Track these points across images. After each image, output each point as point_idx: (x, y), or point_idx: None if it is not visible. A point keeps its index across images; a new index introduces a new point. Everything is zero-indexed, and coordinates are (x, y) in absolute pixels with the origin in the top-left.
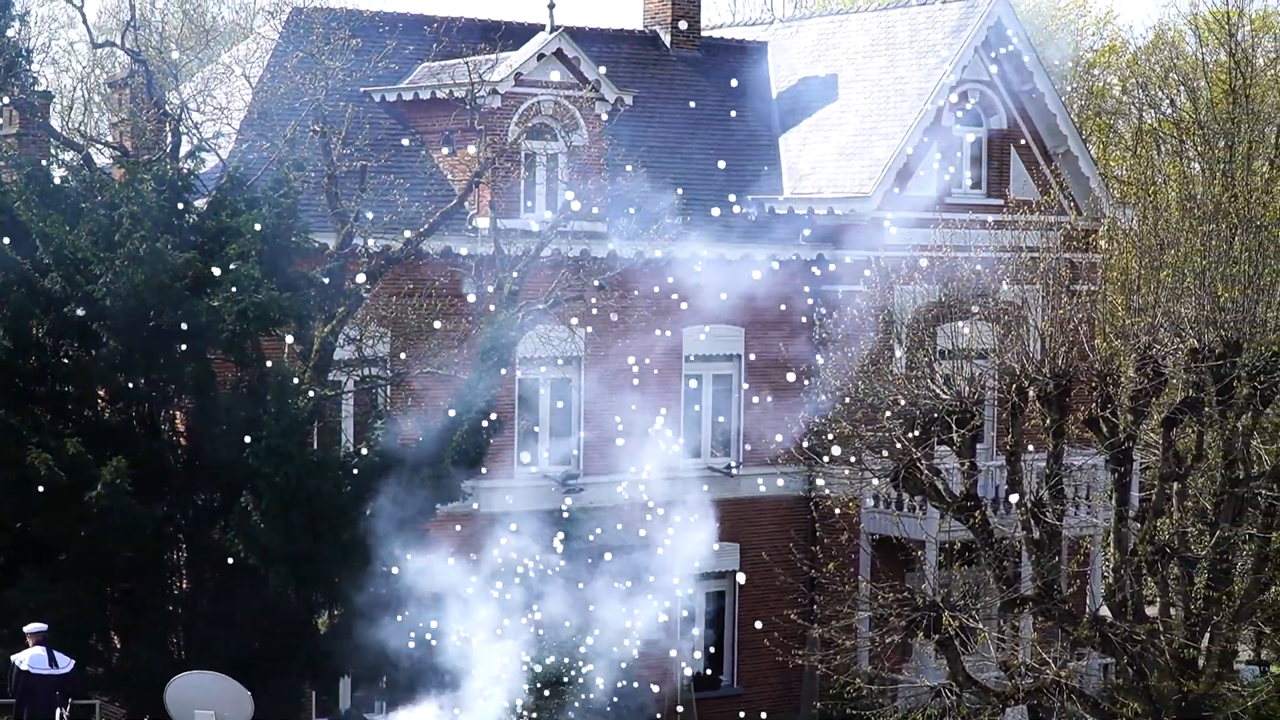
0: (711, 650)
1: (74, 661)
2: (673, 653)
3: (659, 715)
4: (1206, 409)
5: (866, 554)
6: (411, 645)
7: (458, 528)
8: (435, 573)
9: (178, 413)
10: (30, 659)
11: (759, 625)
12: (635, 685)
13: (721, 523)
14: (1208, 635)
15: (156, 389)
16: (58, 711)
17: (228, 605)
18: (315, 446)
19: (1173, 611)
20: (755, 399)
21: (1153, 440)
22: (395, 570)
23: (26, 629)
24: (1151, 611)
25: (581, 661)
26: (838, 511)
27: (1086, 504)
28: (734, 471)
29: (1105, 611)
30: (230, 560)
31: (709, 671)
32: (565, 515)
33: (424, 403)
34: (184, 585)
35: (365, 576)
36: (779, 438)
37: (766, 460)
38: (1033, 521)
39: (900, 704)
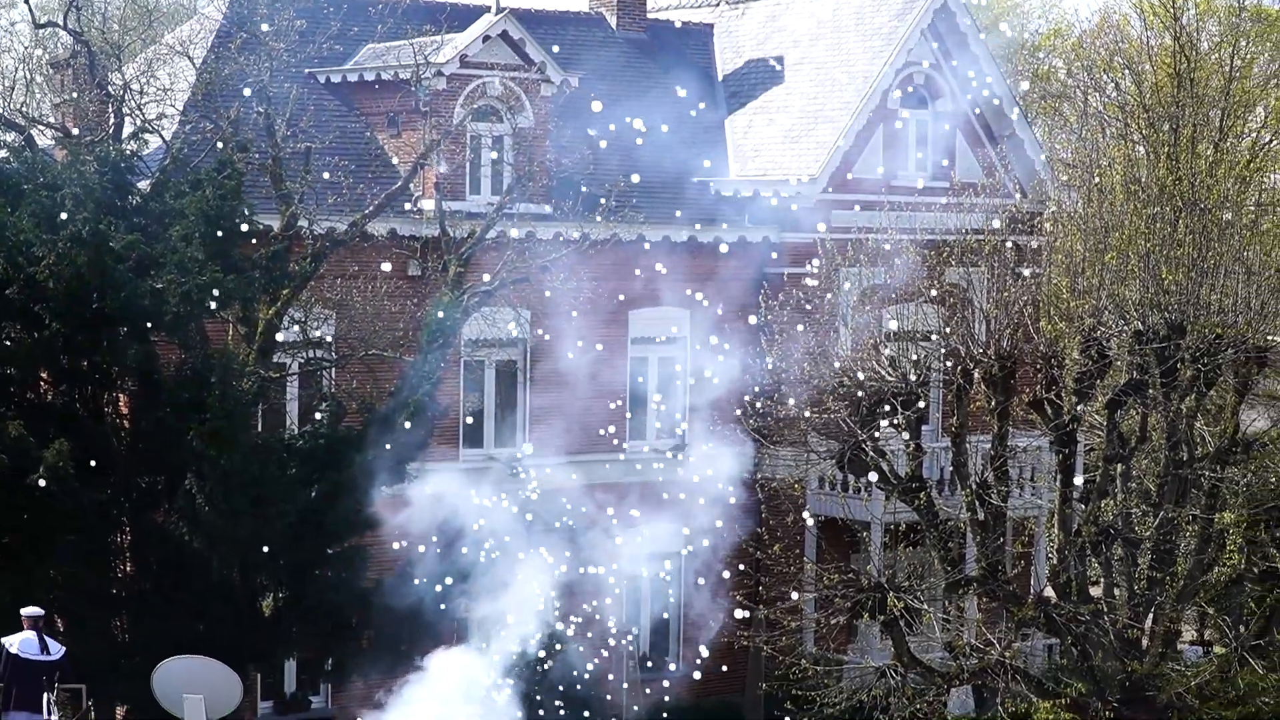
0: (657, 631)
1: (65, 649)
2: (619, 636)
3: (606, 697)
4: (1150, 391)
5: (812, 535)
6: (359, 627)
7: (402, 510)
8: (380, 555)
9: (121, 395)
10: (20, 643)
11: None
12: (583, 668)
13: (667, 504)
14: (1151, 616)
15: (99, 371)
16: (44, 697)
17: (172, 589)
18: (260, 429)
19: (1116, 592)
20: (700, 381)
21: (1097, 422)
22: (341, 552)
23: (23, 611)
24: (1095, 592)
25: (529, 644)
26: (784, 493)
27: (1031, 485)
28: (679, 454)
29: (1049, 592)
30: (175, 544)
31: (654, 652)
32: (511, 497)
33: (369, 385)
34: (128, 569)
35: (311, 559)
36: (725, 420)
37: (712, 442)
38: (977, 503)
39: (845, 685)
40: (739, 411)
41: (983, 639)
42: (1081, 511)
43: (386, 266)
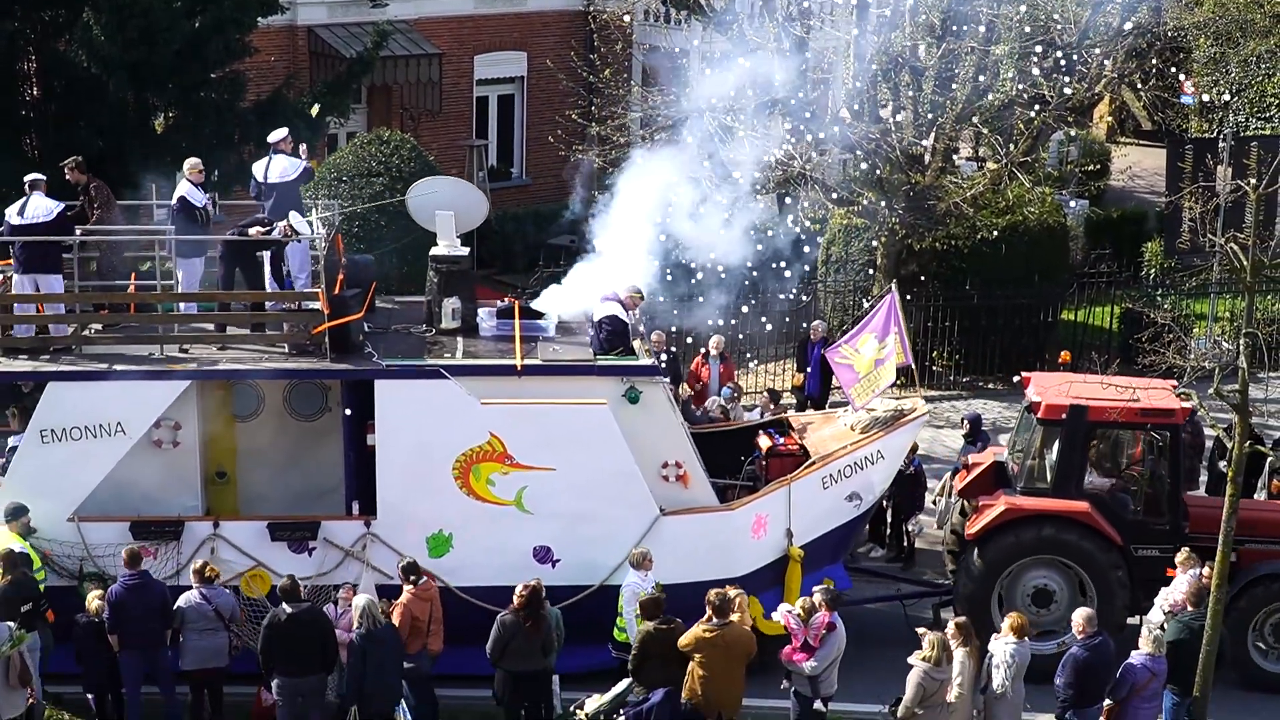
0: (503, 145)
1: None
2: (470, 146)
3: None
4: None
5: (639, 61)
6: (239, 143)
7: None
8: (257, 79)
9: None
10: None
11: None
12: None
13: (509, 33)
14: (933, 135)
15: None
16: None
17: (75, 110)
18: None
19: (902, 115)
20: None
21: None
22: (222, 77)
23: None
24: (885, 114)
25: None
26: (614, 24)
27: (830, 19)
28: None
29: (845, 114)
30: (75, 69)
31: (500, 162)
32: (372, 28)
33: None
34: (35, 93)
35: (196, 83)
36: None
37: None
38: (784, 34)
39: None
40: None
41: (787, 154)
42: (874, 43)
43: None
